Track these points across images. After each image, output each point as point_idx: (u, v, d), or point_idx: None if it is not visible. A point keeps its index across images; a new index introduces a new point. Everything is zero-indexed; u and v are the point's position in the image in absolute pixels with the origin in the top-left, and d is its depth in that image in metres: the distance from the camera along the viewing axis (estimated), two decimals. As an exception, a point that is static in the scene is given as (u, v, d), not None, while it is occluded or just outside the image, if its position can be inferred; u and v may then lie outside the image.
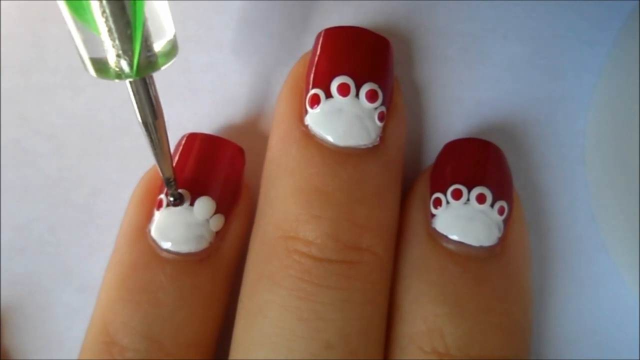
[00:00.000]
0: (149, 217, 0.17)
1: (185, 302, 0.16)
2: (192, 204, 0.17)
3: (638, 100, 0.17)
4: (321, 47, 0.17)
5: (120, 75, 0.13)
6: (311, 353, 0.15)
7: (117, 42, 0.13)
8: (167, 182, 0.16)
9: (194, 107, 0.20)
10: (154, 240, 0.17)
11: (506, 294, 0.16)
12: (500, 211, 0.17)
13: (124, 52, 0.13)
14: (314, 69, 0.17)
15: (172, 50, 0.14)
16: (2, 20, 0.20)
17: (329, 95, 0.16)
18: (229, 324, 0.17)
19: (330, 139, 0.16)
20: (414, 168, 0.20)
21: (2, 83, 0.20)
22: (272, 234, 0.16)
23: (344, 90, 0.16)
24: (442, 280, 0.16)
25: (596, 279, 0.19)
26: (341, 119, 0.16)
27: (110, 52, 0.13)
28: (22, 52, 0.20)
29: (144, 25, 0.13)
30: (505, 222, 0.17)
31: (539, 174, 0.20)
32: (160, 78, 0.20)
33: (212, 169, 0.17)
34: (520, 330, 0.17)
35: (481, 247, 0.16)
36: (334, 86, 0.16)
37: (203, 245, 0.17)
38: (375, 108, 0.16)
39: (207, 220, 0.17)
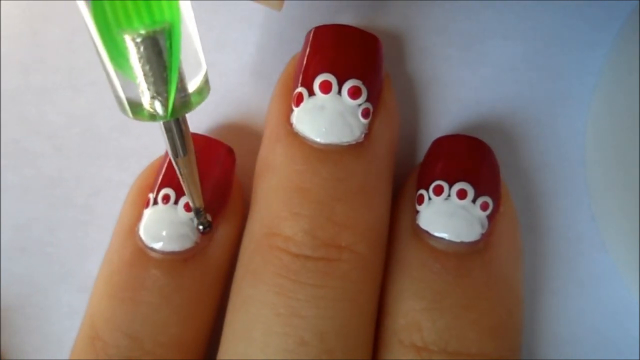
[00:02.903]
0: (140, 217, 0.17)
1: (168, 302, 0.16)
2: (176, 203, 0.17)
3: (638, 100, 0.17)
4: (309, 46, 0.17)
5: (154, 116, 0.13)
6: (286, 349, 0.15)
7: (152, 85, 0.13)
8: (197, 212, 0.16)
9: (194, 107, 0.20)
10: (141, 239, 0.17)
11: (488, 291, 0.16)
12: (484, 207, 0.16)
13: (159, 94, 0.13)
14: (302, 67, 0.17)
15: (205, 87, 0.14)
16: (3, 20, 0.20)
17: (311, 93, 0.16)
18: (221, 324, 0.17)
19: (312, 136, 0.16)
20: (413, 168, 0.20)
21: (2, 83, 0.20)
22: (258, 231, 0.16)
23: (325, 87, 0.16)
24: (422, 276, 0.16)
25: (596, 279, 0.19)
26: (323, 116, 0.16)
27: (145, 95, 0.13)
28: (22, 52, 0.20)
29: (179, 67, 0.13)
30: (490, 218, 0.17)
31: (539, 174, 0.19)
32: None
33: (200, 169, 0.17)
34: (503, 329, 0.16)
35: (462, 243, 0.16)
36: (316, 84, 0.16)
37: (187, 244, 0.17)
38: (359, 105, 0.16)
39: (192, 220, 0.17)
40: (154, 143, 0.20)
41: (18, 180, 0.20)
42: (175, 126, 0.14)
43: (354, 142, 0.17)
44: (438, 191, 0.17)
